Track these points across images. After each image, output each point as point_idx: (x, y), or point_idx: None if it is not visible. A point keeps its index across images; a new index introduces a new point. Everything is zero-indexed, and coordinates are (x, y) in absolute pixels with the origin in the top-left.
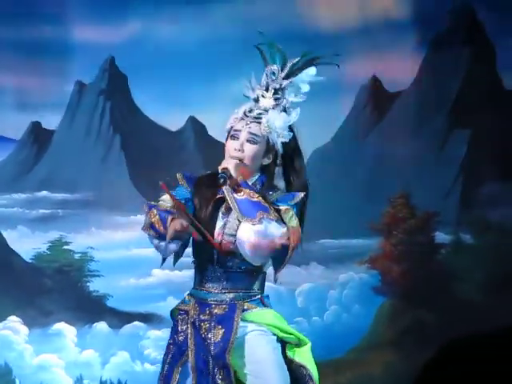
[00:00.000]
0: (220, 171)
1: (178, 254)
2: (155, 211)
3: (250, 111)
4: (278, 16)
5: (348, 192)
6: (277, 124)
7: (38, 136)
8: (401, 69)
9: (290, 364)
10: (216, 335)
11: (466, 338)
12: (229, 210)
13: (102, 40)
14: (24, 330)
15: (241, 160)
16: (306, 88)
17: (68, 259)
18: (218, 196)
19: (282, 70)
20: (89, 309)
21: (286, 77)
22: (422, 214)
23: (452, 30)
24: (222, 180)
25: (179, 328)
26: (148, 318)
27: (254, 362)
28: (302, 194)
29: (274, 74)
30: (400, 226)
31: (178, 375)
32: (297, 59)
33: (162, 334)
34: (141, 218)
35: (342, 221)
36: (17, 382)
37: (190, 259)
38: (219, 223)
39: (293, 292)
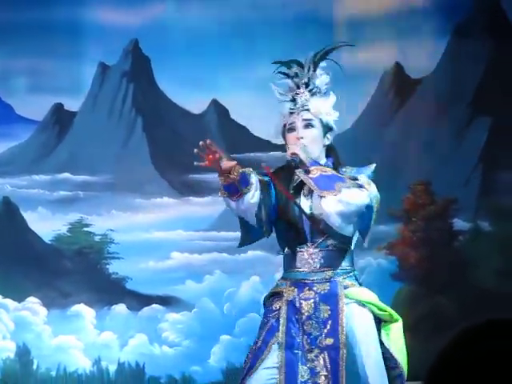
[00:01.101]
0: (289, 157)
1: (251, 234)
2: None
3: (295, 104)
4: (301, 2)
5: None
6: (322, 106)
7: (60, 118)
8: (423, 55)
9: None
10: (323, 313)
11: (485, 324)
12: (310, 192)
13: (125, 22)
14: (43, 311)
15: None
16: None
17: (88, 241)
18: (295, 182)
19: (303, 67)
20: (108, 291)
21: (309, 70)
22: (441, 201)
23: (475, 18)
24: (294, 164)
25: (273, 308)
26: (166, 301)
27: (359, 338)
28: (373, 165)
29: (297, 74)
30: (419, 212)
31: (270, 351)
32: (314, 53)
33: (180, 317)
34: (161, 201)
35: None
36: (35, 362)
37: (209, 243)
38: (304, 206)
39: None
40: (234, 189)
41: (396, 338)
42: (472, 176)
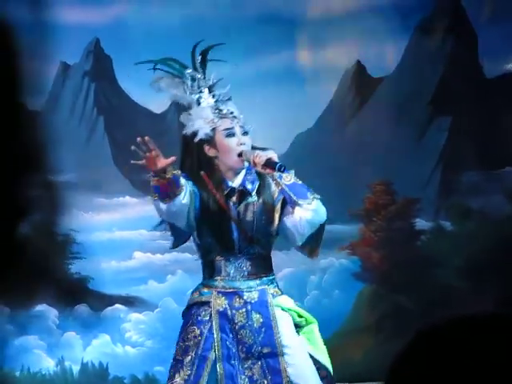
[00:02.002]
0: (270, 161)
1: (181, 236)
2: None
3: (222, 110)
4: (263, 1)
5: (329, 178)
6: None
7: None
8: (384, 55)
9: None
10: (256, 322)
11: (444, 323)
12: (239, 199)
13: (86, 21)
14: (6, 311)
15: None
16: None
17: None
18: (227, 189)
19: (197, 70)
20: (70, 291)
21: (203, 73)
22: (403, 201)
23: (436, 17)
24: (282, 168)
25: (203, 319)
26: (129, 301)
27: (288, 345)
28: (292, 171)
29: (193, 78)
30: (380, 212)
31: (209, 366)
32: (198, 56)
33: (143, 317)
34: (124, 200)
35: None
36: None
37: (170, 242)
38: (234, 213)
39: None
40: (165, 190)
41: (316, 340)
42: (433, 176)
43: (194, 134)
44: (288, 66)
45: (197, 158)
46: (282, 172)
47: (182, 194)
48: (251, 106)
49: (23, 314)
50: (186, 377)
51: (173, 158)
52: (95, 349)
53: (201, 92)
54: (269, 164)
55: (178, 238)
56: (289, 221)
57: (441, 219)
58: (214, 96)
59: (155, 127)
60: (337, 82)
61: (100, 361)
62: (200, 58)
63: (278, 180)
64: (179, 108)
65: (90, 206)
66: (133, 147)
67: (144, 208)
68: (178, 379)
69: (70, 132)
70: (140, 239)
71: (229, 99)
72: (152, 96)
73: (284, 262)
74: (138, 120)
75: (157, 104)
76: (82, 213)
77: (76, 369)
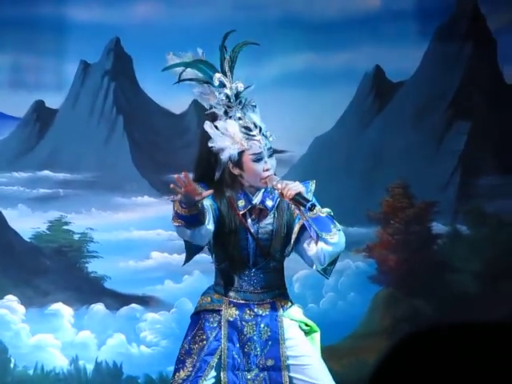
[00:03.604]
0: (300, 197)
1: (195, 252)
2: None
3: (251, 130)
4: (283, 3)
5: (347, 180)
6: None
7: (41, 115)
8: (404, 59)
9: None
10: (264, 334)
11: (460, 327)
12: (258, 217)
13: (107, 20)
14: (21, 309)
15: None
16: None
17: (67, 239)
18: (246, 208)
19: (226, 75)
20: (86, 290)
21: (231, 78)
22: (420, 204)
23: (455, 22)
24: (313, 207)
25: (211, 325)
26: (145, 301)
27: (301, 355)
28: (313, 182)
29: (223, 84)
30: (398, 215)
31: (209, 372)
32: (228, 57)
33: (158, 317)
34: (142, 200)
35: (340, 209)
36: (12, 360)
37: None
38: (252, 230)
39: (290, 278)
40: (196, 219)
41: (317, 348)
42: (451, 179)
43: (221, 150)
44: (308, 68)
45: (219, 172)
46: (311, 211)
47: (206, 220)
48: (270, 108)
49: (38, 312)
50: (186, 377)
51: (210, 191)
52: (110, 348)
53: (229, 101)
54: (298, 201)
55: (193, 254)
56: (309, 249)
57: (458, 223)
58: (240, 103)
59: (174, 127)
60: (356, 85)
61: (114, 360)
62: (229, 57)
63: (304, 213)
64: (199, 109)
65: (108, 204)
66: (172, 185)
67: (162, 208)
68: (181, 375)
69: (90, 130)
70: (157, 239)
71: (254, 106)
72: (171, 96)
73: (300, 263)
74: (158, 120)
75: (176, 104)
76: (101, 212)
77: (90, 368)
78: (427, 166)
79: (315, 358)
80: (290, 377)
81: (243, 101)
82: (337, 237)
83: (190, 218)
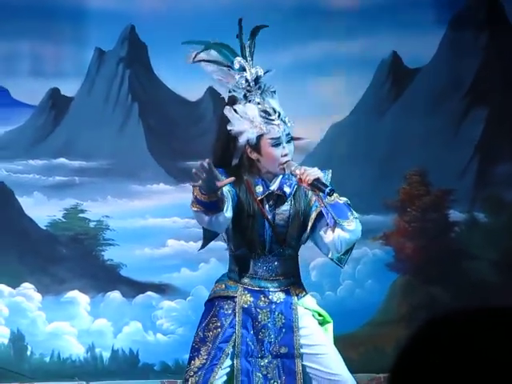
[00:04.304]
0: (319, 182)
1: (212, 238)
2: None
3: (268, 113)
4: None
5: (364, 168)
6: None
7: (57, 102)
8: (421, 46)
9: None
10: (278, 322)
11: (477, 315)
12: (275, 203)
13: (122, 8)
14: (37, 297)
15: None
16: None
17: (83, 227)
18: (264, 194)
19: (246, 58)
20: (102, 278)
21: (251, 62)
22: (437, 192)
23: (473, 9)
24: (331, 193)
25: (225, 312)
26: (161, 289)
27: (316, 344)
28: (330, 171)
29: (243, 68)
30: (415, 203)
31: (224, 359)
32: (247, 41)
33: (174, 305)
34: (157, 187)
35: (357, 196)
36: (29, 348)
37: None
38: (269, 216)
39: (307, 266)
40: (215, 206)
41: (331, 337)
42: (468, 167)
43: (239, 133)
44: (324, 55)
45: (238, 156)
46: (330, 196)
47: (225, 207)
48: (288, 95)
49: (55, 300)
50: (201, 365)
51: (231, 179)
52: (126, 336)
53: (249, 86)
54: (316, 186)
55: (209, 240)
56: (326, 236)
57: (475, 211)
58: (259, 88)
59: (190, 115)
60: (373, 72)
61: (130, 348)
62: (249, 41)
63: (322, 198)
64: (214, 96)
65: (123, 192)
66: (194, 170)
67: (178, 195)
68: (196, 363)
69: (105, 118)
70: (173, 227)
71: (274, 92)
72: (187, 83)
73: (316, 251)
74: (173, 107)
75: (192, 91)
76: (116, 199)
77: (106, 356)
78: (444, 153)
79: (330, 348)
80: (303, 365)
81: (262, 86)
82: (354, 224)
83: (209, 204)
